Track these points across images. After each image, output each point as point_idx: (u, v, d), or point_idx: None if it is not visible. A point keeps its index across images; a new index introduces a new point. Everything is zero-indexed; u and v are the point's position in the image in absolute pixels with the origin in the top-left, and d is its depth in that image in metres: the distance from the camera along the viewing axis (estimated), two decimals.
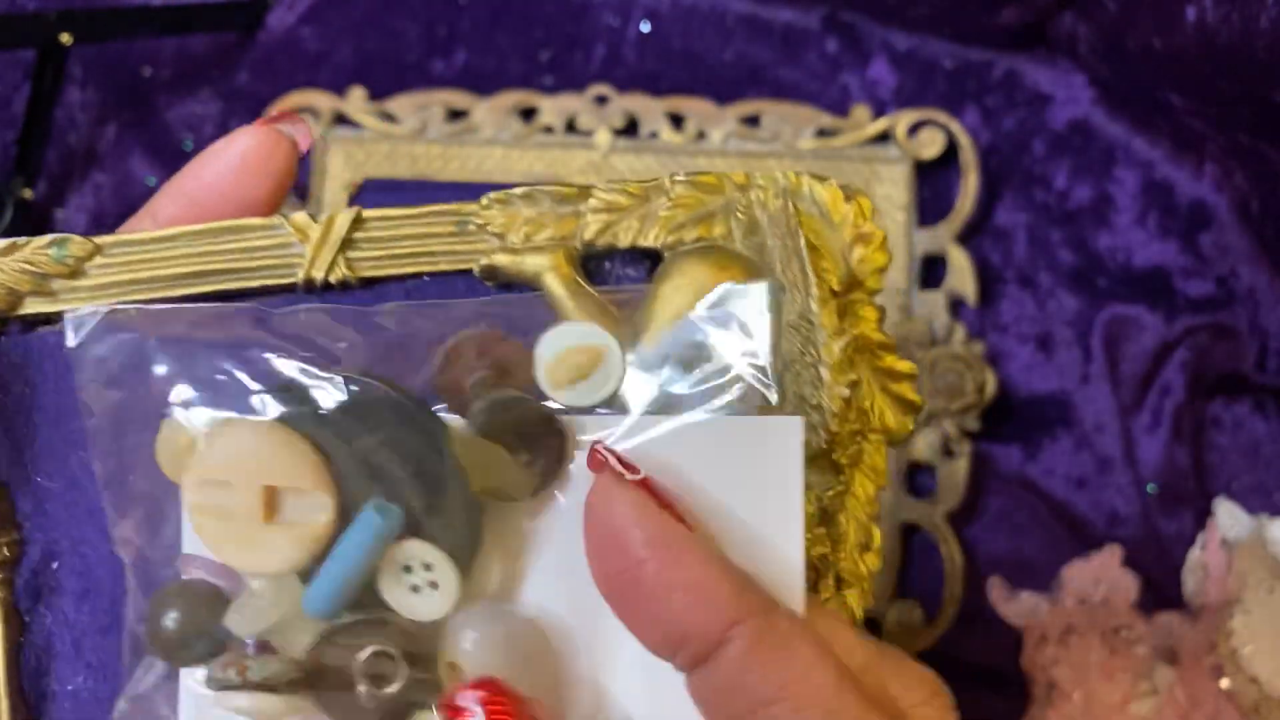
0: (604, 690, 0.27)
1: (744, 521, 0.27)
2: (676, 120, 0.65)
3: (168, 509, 0.28)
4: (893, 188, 0.63)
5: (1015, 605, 0.55)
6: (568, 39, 0.67)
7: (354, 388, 0.27)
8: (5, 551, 0.30)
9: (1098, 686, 0.51)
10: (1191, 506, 0.60)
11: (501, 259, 0.29)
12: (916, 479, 0.61)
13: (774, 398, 0.28)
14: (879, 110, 0.65)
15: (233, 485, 0.26)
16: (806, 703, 0.24)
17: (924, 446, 0.60)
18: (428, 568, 0.26)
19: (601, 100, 0.65)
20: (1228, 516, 0.55)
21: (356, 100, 0.66)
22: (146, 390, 0.28)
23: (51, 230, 0.31)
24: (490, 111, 0.65)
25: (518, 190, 0.29)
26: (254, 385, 0.27)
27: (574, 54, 0.67)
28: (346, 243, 0.29)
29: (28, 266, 0.29)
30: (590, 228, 0.29)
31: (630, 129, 0.65)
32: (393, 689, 0.26)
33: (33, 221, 0.64)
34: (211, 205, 0.31)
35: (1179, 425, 0.61)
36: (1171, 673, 0.51)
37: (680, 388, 0.28)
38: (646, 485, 0.26)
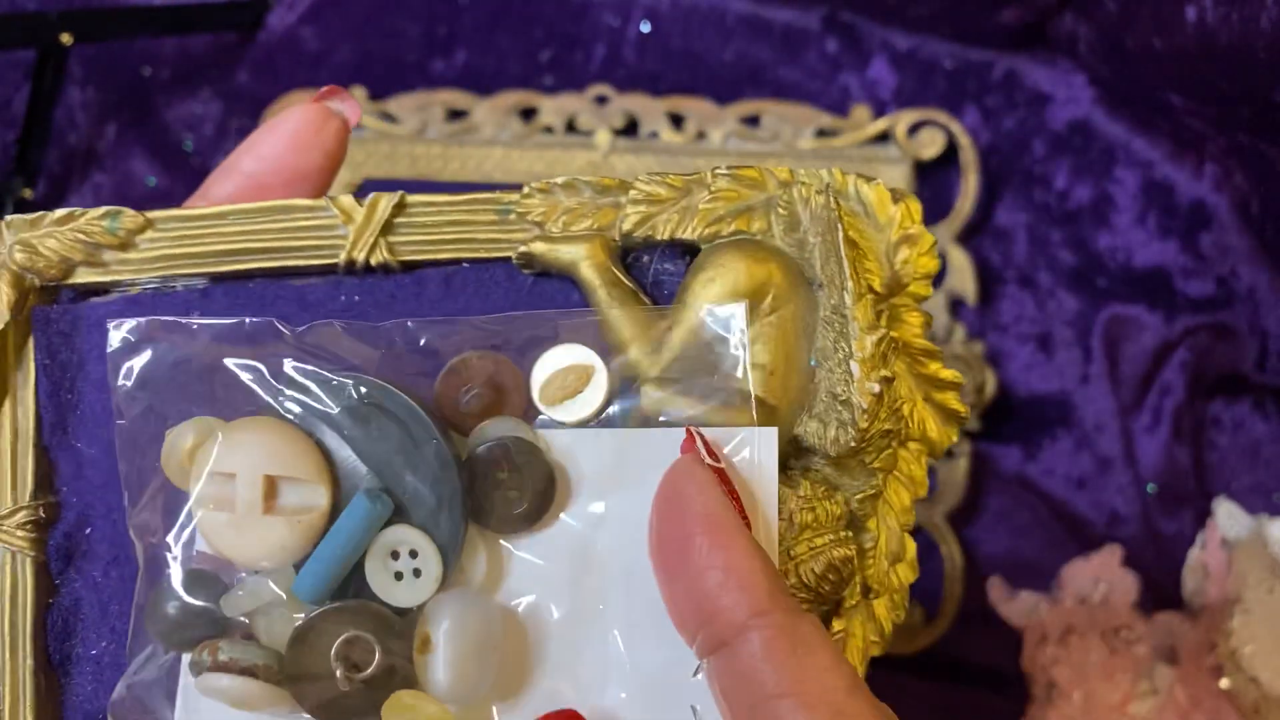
0: (579, 679, 0.28)
1: None
2: (676, 120, 0.65)
3: (180, 507, 0.29)
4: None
5: (1015, 605, 0.55)
6: (568, 39, 0.67)
7: (361, 390, 0.28)
8: (41, 513, 0.30)
9: (1098, 686, 0.51)
10: (1191, 506, 0.60)
11: (539, 247, 0.29)
12: None
13: (753, 412, 0.28)
14: (879, 110, 0.65)
15: (238, 477, 0.27)
16: (817, 701, 0.24)
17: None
18: (414, 554, 0.27)
19: (601, 100, 0.65)
20: (1228, 516, 0.55)
21: (356, 100, 0.66)
22: (172, 395, 0.29)
23: None
24: (490, 111, 0.65)
25: (559, 180, 0.30)
26: (271, 388, 0.28)
27: (574, 54, 0.67)
28: (388, 226, 0.30)
29: (81, 236, 0.30)
30: (629, 219, 0.30)
31: (630, 129, 0.65)
32: (367, 674, 0.27)
33: None
34: (265, 181, 0.32)
35: (1179, 425, 0.61)
36: (1171, 673, 0.51)
37: (671, 399, 0.29)
38: (722, 475, 0.27)
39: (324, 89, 0.33)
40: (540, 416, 0.29)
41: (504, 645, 0.28)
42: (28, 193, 0.62)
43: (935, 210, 0.63)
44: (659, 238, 0.30)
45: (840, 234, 0.29)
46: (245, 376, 0.28)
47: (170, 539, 0.28)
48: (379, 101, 0.66)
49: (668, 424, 0.28)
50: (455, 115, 0.66)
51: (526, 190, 0.30)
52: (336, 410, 0.28)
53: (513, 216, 0.30)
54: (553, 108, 0.65)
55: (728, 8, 0.67)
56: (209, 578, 0.28)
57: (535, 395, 0.29)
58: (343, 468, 0.28)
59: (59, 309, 0.31)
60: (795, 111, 0.64)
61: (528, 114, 0.66)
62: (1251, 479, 0.61)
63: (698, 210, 0.30)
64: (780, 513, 0.28)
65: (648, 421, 0.28)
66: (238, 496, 0.27)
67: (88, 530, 0.31)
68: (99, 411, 0.30)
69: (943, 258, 0.62)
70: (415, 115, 0.66)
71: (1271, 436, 0.61)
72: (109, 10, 0.67)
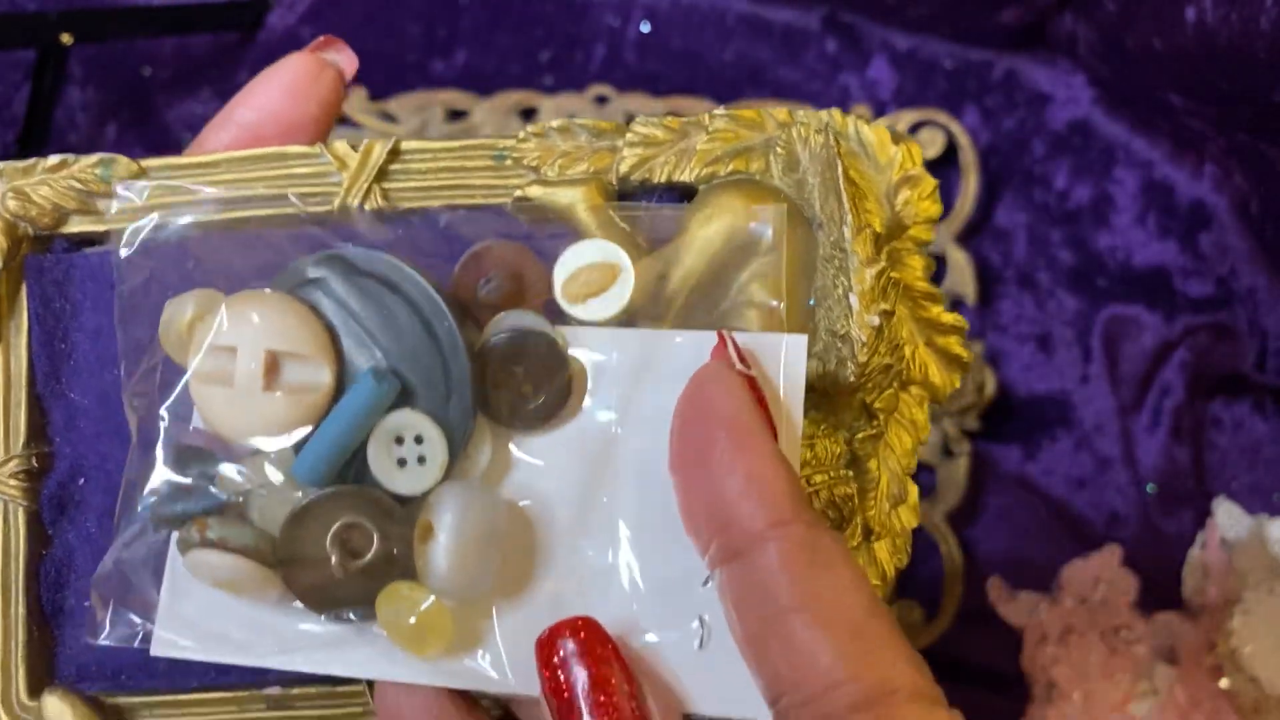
0: (584, 583, 0.27)
1: None
2: None
3: (177, 380, 0.28)
4: None
5: (1015, 605, 0.55)
6: (568, 39, 0.67)
7: (374, 266, 0.27)
8: (34, 463, 0.30)
9: (1098, 686, 0.51)
10: (1191, 506, 0.60)
11: (535, 191, 0.29)
12: (916, 479, 0.61)
13: (784, 316, 0.27)
14: (879, 110, 0.65)
15: (239, 351, 0.26)
16: (833, 618, 0.23)
17: (923, 446, 0.60)
18: (419, 440, 0.26)
19: (601, 100, 0.65)
20: (1227, 516, 0.55)
21: (357, 100, 0.66)
22: (176, 264, 0.28)
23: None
24: (490, 111, 0.65)
25: (555, 123, 0.30)
26: (278, 263, 0.28)
27: (574, 54, 0.67)
28: (382, 173, 0.30)
29: (75, 184, 0.30)
30: (626, 162, 0.29)
31: None
32: (364, 561, 0.26)
33: None
34: (260, 132, 0.32)
35: (1179, 425, 0.61)
36: (1171, 672, 0.51)
37: (697, 307, 0.28)
38: (751, 383, 0.26)
39: (319, 39, 0.33)
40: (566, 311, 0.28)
41: (507, 542, 0.27)
42: None
43: None
44: (656, 180, 0.29)
45: (840, 170, 0.28)
46: (251, 249, 0.28)
47: (164, 412, 0.28)
48: (379, 101, 0.66)
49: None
50: (455, 115, 0.66)
51: (522, 135, 0.30)
52: (345, 286, 0.27)
53: (508, 162, 0.30)
54: (553, 108, 0.65)
55: (728, 8, 0.67)
56: (203, 454, 0.27)
57: (558, 290, 0.28)
58: (349, 347, 0.27)
59: (52, 258, 0.31)
60: None
61: (528, 114, 0.66)
62: (1251, 479, 0.61)
63: (695, 152, 0.29)
64: None
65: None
66: (238, 370, 0.26)
67: (81, 481, 0.30)
68: (93, 361, 0.30)
69: (942, 258, 0.62)
70: (415, 115, 0.66)
71: (1271, 436, 0.61)
72: (109, 10, 0.67)
